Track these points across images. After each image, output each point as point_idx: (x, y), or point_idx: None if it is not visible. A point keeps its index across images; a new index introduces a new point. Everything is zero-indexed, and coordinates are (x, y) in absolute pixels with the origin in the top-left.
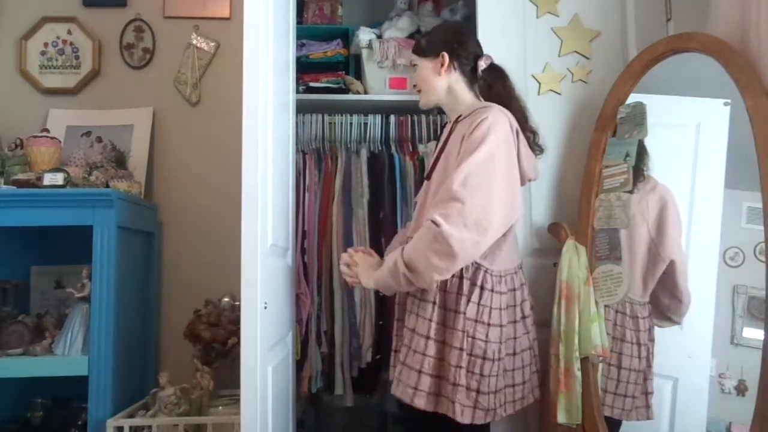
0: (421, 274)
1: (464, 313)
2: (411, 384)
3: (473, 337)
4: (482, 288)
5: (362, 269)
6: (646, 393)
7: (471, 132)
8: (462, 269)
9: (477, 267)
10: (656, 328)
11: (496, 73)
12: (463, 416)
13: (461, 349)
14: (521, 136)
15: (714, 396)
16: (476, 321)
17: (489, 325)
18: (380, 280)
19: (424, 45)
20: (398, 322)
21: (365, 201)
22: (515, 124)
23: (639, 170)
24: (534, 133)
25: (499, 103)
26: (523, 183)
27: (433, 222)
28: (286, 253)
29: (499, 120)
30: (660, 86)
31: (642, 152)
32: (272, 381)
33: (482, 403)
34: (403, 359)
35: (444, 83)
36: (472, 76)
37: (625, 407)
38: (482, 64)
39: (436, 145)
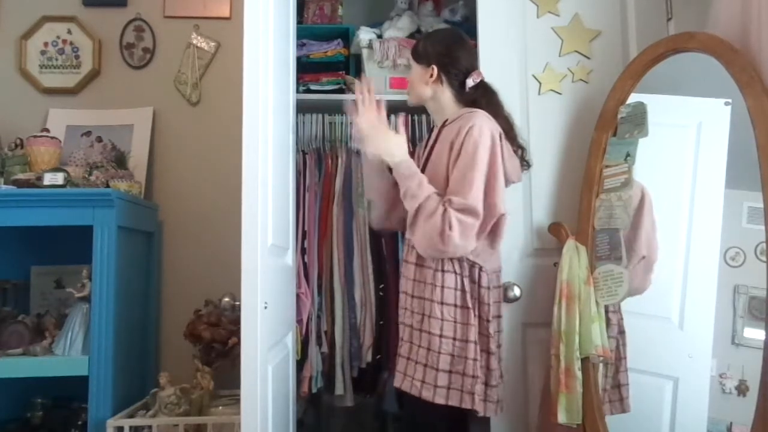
0: (415, 225)
1: (471, 308)
2: (418, 377)
3: (481, 334)
4: (479, 285)
5: (382, 132)
6: (619, 385)
7: (461, 141)
8: (456, 267)
9: (472, 265)
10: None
11: (483, 90)
12: (480, 408)
13: (476, 342)
14: (504, 140)
15: (715, 396)
16: (481, 317)
17: (488, 321)
18: (401, 163)
19: (420, 50)
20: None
21: (365, 201)
22: (499, 129)
23: None
24: (522, 148)
25: None
26: (506, 185)
27: (450, 226)
28: (286, 253)
29: (485, 125)
30: (661, 86)
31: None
32: (272, 381)
33: (491, 396)
34: (407, 354)
35: (429, 92)
36: (460, 89)
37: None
38: (470, 82)
39: (423, 148)
